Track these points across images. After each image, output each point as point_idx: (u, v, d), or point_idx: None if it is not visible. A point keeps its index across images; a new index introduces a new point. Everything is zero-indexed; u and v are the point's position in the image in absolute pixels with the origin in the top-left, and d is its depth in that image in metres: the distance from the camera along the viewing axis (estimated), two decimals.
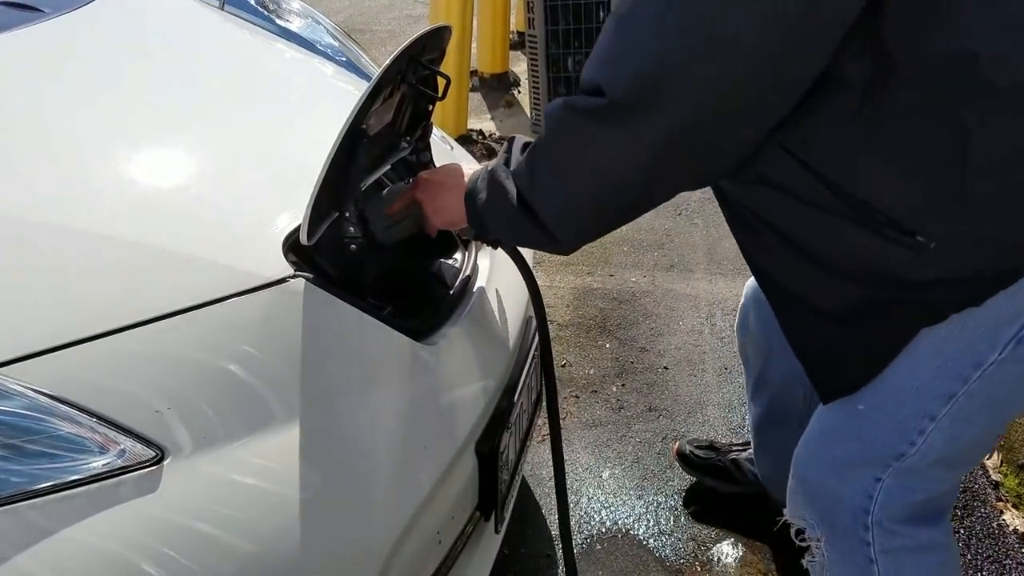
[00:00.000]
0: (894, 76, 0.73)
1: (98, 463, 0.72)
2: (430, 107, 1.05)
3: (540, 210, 0.84)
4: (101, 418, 0.73)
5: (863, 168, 0.77)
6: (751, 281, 1.30)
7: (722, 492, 1.55)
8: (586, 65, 0.78)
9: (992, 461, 1.65)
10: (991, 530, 1.50)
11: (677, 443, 1.63)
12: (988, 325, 0.82)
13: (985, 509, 1.55)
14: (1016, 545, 1.46)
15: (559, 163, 0.82)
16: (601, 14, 3.36)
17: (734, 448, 1.57)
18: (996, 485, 1.59)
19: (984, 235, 0.77)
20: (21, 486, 0.70)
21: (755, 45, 0.69)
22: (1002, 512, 1.54)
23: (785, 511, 1.06)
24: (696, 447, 1.59)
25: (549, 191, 0.84)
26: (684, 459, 1.60)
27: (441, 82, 1.02)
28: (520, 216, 0.86)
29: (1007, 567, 1.42)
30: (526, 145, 0.89)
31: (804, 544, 1.04)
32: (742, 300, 1.32)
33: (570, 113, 0.79)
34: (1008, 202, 0.76)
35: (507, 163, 0.89)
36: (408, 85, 0.96)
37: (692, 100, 0.72)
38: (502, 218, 0.89)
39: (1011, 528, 1.50)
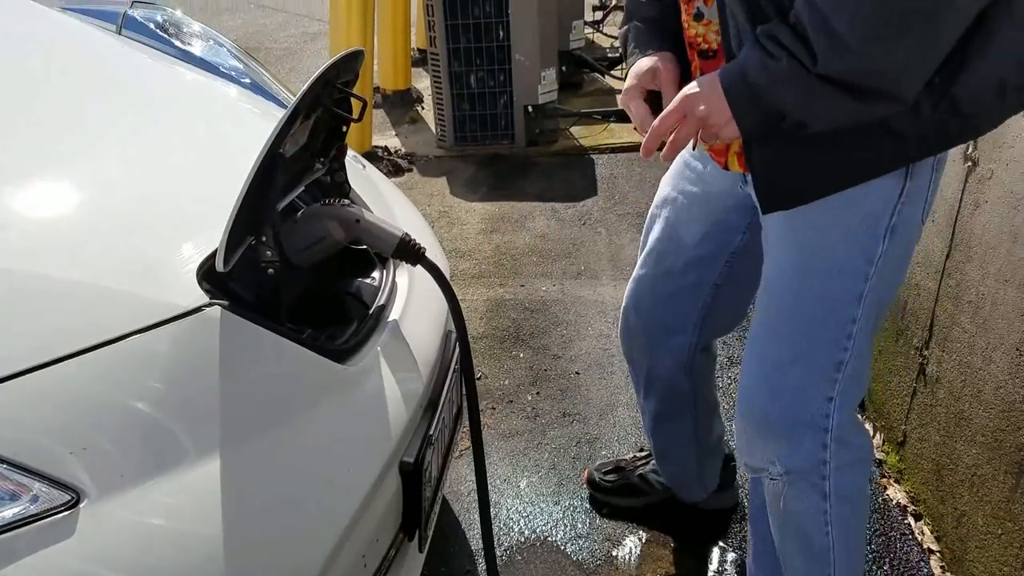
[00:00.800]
0: None
1: (8, 512, 0.68)
2: (344, 128, 1.06)
3: (869, 74, 0.81)
4: (10, 463, 0.69)
5: None
6: (629, 286, 1.37)
7: (635, 508, 1.62)
8: None
9: (875, 441, 1.80)
10: (877, 505, 1.64)
11: (586, 471, 1.69)
12: (870, 220, 0.96)
13: (871, 486, 1.69)
14: (899, 517, 1.61)
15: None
16: (500, 33, 3.43)
17: (638, 463, 1.65)
18: (879, 463, 1.74)
19: (948, 109, 0.87)
20: None
21: None
22: (886, 488, 1.69)
23: (742, 464, 1.15)
24: (604, 473, 1.66)
25: (884, 45, 0.80)
26: (594, 486, 1.66)
27: (356, 104, 1.04)
28: (844, 97, 0.83)
29: (892, 539, 1.56)
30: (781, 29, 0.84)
31: (758, 476, 1.14)
32: (623, 305, 1.39)
33: None
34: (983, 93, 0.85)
35: (767, 56, 0.84)
36: (324, 108, 0.97)
37: None
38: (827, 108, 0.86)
39: (894, 502, 1.64)
